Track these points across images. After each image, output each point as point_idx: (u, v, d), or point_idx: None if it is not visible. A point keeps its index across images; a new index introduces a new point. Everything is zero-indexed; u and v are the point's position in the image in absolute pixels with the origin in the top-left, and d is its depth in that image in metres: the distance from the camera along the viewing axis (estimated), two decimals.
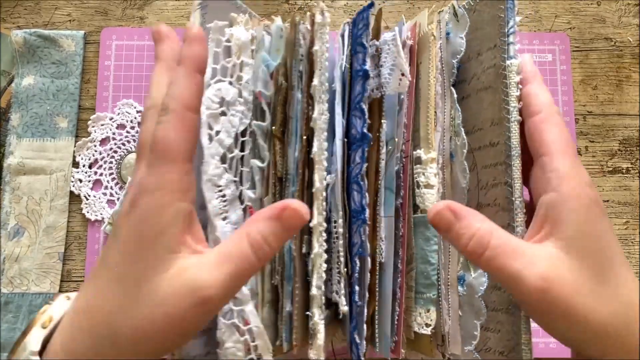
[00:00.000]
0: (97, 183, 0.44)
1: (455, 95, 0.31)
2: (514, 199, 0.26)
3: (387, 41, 0.29)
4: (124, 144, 0.45)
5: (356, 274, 0.28)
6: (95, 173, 0.44)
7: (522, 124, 0.26)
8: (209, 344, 0.27)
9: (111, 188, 0.44)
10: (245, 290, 0.27)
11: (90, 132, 0.45)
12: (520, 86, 0.26)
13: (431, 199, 0.31)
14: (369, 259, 0.29)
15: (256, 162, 0.29)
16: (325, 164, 0.27)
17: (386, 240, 0.30)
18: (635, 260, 0.44)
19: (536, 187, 0.25)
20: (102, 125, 0.45)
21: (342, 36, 0.31)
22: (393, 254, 0.30)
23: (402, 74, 0.29)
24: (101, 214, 0.43)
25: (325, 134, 0.27)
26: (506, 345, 0.26)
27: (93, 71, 0.46)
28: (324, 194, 0.27)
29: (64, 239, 0.43)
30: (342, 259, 0.28)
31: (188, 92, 0.22)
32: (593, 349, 0.22)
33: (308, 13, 0.30)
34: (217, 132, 0.28)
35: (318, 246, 0.26)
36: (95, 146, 0.45)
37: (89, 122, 0.45)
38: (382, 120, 0.30)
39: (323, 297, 0.26)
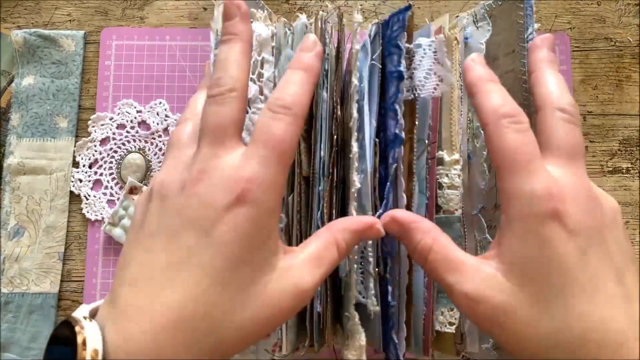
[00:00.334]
0: (97, 183, 0.44)
1: None
2: None
3: (423, 45, 0.29)
4: (124, 144, 0.45)
5: (387, 275, 0.28)
6: (95, 173, 0.44)
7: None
8: None
9: (111, 188, 0.44)
10: None
11: (90, 132, 0.45)
12: None
13: (455, 200, 0.32)
14: (407, 260, 0.29)
15: None
16: (358, 164, 0.27)
17: None
18: (636, 260, 0.44)
19: None
20: (102, 125, 0.45)
21: (370, 35, 0.31)
22: None
23: (440, 80, 0.28)
24: (101, 214, 0.44)
25: (360, 133, 0.28)
26: None
27: (93, 71, 0.46)
28: (356, 195, 0.27)
29: (64, 238, 0.43)
30: (370, 259, 0.28)
31: (307, 101, 0.23)
32: None
33: (335, 11, 0.30)
34: None
35: (355, 247, 0.27)
36: (95, 146, 0.45)
37: (89, 122, 0.45)
38: (416, 122, 0.30)
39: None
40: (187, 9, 0.47)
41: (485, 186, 0.30)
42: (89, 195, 0.44)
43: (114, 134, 0.45)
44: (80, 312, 0.21)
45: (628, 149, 0.45)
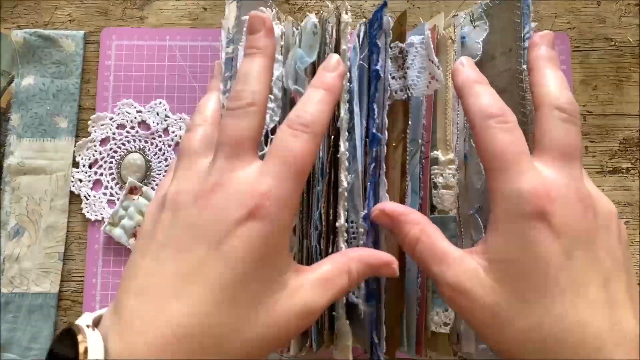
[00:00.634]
0: (97, 183, 0.44)
1: None
2: None
3: (415, 44, 0.29)
4: (124, 144, 0.45)
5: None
6: (95, 173, 0.44)
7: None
8: None
9: (111, 188, 0.44)
10: None
11: (90, 132, 0.45)
12: None
13: (450, 200, 0.32)
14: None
15: None
16: (347, 164, 0.28)
17: None
18: (636, 260, 0.44)
19: None
20: (102, 125, 0.45)
21: (358, 36, 0.31)
22: None
23: (432, 77, 0.29)
24: (101, 214, 0.44)
25: (348, 133, 0.28)
26: None
27: (93, 71, 0.46)
28: (346, 194, 0.27)
29: (64, 239, 0.43)
30: None
31: (327, 121, 0.23)
32: None
33: (335, 11, 0.30)
34: None
35: (345, 247, 0.27)
36: (95, 146, 0.45)
37: (89, 122, 0.45)
38: (409, 122, 0.30)
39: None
40: (187, 9, 0.47)
41: (481, 186, 0.30)
42: (89, 196, 0.44)
43: (114, 134, 0.45)
44: (84, 321, 0.21)
45: (628, 149, 0.45)
